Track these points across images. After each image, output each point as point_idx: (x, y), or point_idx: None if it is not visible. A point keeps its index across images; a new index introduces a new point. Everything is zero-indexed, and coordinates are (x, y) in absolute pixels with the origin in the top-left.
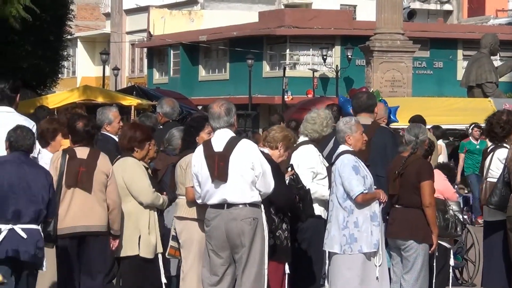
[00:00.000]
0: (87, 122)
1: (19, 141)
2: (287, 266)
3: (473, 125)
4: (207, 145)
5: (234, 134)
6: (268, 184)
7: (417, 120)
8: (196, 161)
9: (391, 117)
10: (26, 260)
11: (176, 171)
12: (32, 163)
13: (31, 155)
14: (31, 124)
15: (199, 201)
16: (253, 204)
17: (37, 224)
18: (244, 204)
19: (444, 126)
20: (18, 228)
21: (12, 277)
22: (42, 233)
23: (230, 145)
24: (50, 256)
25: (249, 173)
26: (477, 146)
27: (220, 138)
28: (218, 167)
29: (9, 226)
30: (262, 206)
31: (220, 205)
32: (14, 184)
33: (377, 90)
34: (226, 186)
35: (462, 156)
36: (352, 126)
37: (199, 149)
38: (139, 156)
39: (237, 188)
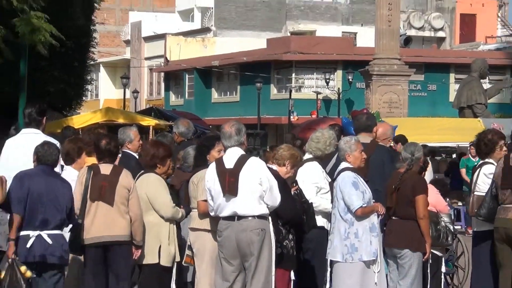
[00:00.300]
0: (110, 141)
1: (46, 156)
2: (292, 273)
3: (471, 144)
4: (219, 162)
5: (244, 152)
6: (275, 198)
7: (401, 139)
8: (210, 177)
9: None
10: (53, 262)
11: (189, 187)
12: (57, 176)
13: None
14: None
15: (212, 214)
16: (261, 216)
17: (61, 230)
18: (253, 216)
19: (437, 144)
20: (44, 234)
21: (40, 277)
22: (66, 239)
23: (240, 163)
24: (76, 264)
25: (258, 188)
26: (475, 164)
27: (231, 156)
28: (229, 182)
29: (37, 233)
30: (270, 218)
31: (231, 217)
32: (42, 194)
33: (377, 112)
34: (237, 200)
35: (463, 171)
36: (352, 145)
37: (212, 166)
38: (160, 172)
39: (247, 202)
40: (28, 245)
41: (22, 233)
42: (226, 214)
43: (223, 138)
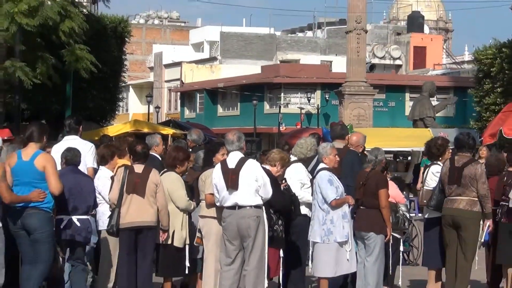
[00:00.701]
0: (144, 146)
1: (72, 158)
2: (281, 252)
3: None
4: (224, 163)
5: (243, 155)
6: (267, 192)
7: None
8: (216, 174)
9: None
10: (79, 241)
11: (199, 183)
12: (82, 174)
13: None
14: (89, 146)
15: (217, 204)
16: (257, 206)
17: (87, 215)
18: (250, 206)
19: (395, 149)
20: (74, 218)
21: (67, 252)
22: (91, 223)
23: (240, 163)
24: (112, 244)
25: (254, 183)
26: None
27: (233, 158)
28: (231, 179)
29: (68, 217)
30: (264, 208)
31: (233, 207)
32: (72, 188)
33: (351, 124)
34: (237, 193)
35: (422, 169)
36: (327, 150)
37: (218, 166)
38: (179, 171)
39: (245, 194)
40: (62, 226)
41: (58, 217)
42: (229, 204)
43: (227, 144)
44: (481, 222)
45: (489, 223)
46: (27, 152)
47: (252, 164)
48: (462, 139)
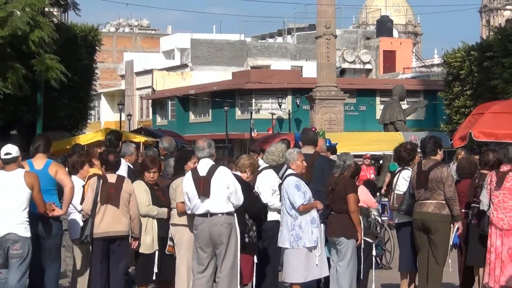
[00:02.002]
0: (116, 155)
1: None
2: (255, 258)
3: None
4: (194, 171)
5: (214, 163)
6: (239, 199)
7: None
8: (187, 182)
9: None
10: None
11: (170, 191)
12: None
13: None
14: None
15: (189, 212)
16: (229, 213)
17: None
18: (222, 213)
19: (367, 153)
20: None
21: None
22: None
23: (211, 171)
24: (85, 253)
25: (225, 191)
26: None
27: (203, 166)
28: (203, 186)
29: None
30: (235, 215)
31: (205, 215)
32: None
33: (323, 130)
34: (209, 201)
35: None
36: (294, 155)
37: (189, 174)
38: (146, 179)
39: (217, 202)
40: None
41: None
42: (201, 212)
43: (197, 150)
44: (452, 225)
45: (458, 225)
46: (38, 161)
47: (223, 171)
48: (423, 143)
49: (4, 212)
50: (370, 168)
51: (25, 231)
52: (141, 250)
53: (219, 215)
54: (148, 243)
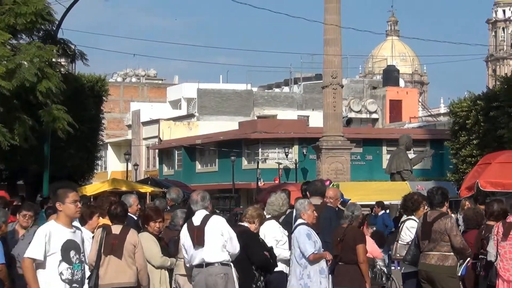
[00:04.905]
0: (120, 207)
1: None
2: None
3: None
4: (190, 222)
5: (208, 213)
6: (235, 247)
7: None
8: (183, 234)
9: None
10: None
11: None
12: None
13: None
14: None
15: (187, 265)
16: (224, 263)
17: None
18: (218, 263)
19: (373, 203)
20: None
21: None
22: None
23: (205, 220)
24: None
25: (220, 238)
26: None
27: (198, 217)
28: (197, 235)
29: None
30: (232, 265)
31: (201, 265)
32: None
33: (338, 183)
34: (204, 249)
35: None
36: (305, 205)
37: (184, 226)
38: (151, 230)
39: (212, 250)
40: None
41: None
42: (197, 262)
43: (192, 204)
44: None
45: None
46: None
47: (217, 220)
48: (430, 195)
49: None
50: None
51: None
52: None
53: (215, 264)
54: None
